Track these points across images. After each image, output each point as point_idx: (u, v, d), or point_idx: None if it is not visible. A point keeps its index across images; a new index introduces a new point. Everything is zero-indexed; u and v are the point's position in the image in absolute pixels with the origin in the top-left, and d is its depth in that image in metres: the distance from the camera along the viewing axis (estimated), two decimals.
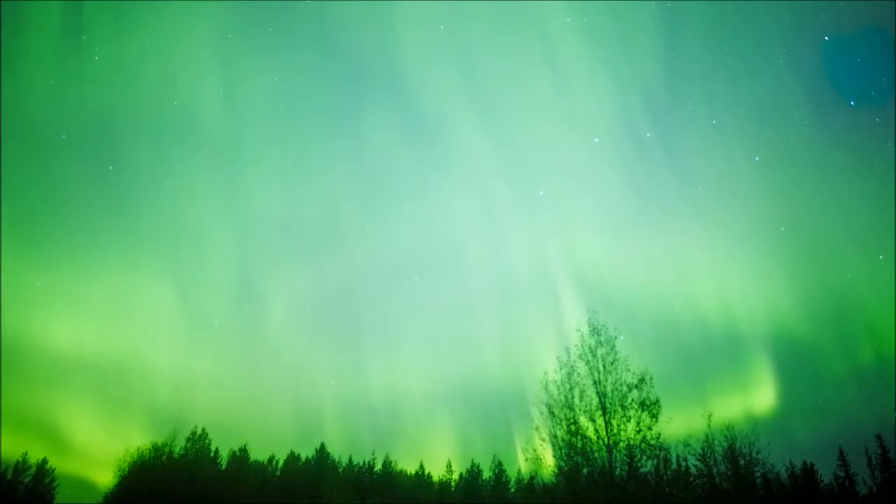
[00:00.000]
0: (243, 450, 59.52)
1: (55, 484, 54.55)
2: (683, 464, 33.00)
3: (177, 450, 53.10)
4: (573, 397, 22.18)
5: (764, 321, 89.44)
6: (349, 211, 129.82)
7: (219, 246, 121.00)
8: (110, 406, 77.51)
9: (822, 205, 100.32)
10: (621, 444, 21.09)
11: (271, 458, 62.13)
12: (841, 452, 42.24)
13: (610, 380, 21.90)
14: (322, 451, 62.10)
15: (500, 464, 58.64)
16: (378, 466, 62.41)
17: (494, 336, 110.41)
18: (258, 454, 61.19)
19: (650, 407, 21.22)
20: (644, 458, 21.06)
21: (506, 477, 58.12)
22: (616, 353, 22.37)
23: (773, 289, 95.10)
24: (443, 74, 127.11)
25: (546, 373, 23.11)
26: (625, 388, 21.64)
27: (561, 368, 22.90)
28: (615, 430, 21.15)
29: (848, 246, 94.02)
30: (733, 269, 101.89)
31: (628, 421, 21.19)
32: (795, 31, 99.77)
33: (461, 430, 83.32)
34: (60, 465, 56.10)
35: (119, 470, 49.03)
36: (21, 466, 53.62)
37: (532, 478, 49.51)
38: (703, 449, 30.16)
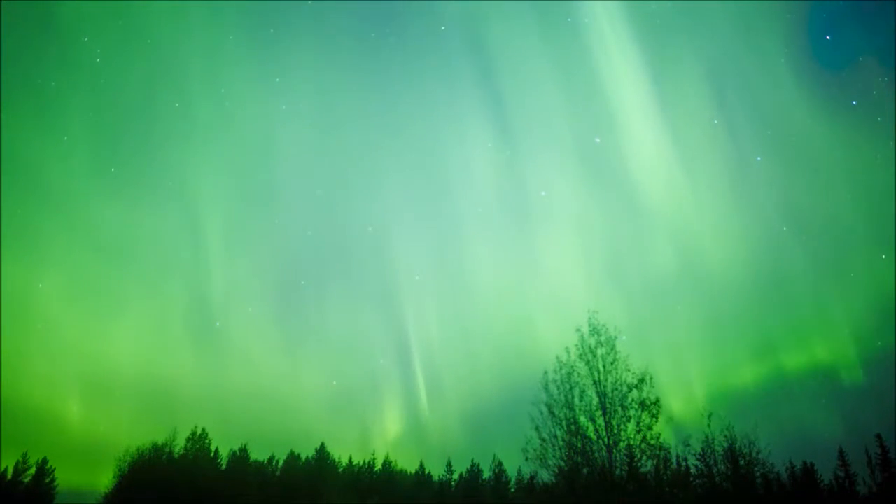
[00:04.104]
0: (243, 450, 59.50)
1: (55, 484, 54.57)
2: (683, 464, 33.02)
3: (177, 450, 53.14)
4: (573, 397, 22.19)
5: (764, 320, 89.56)
6: (354, 212, 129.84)
7: (220, 248, 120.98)
8: (109, 407, 77.62)
9: (823, 204, 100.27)
10: (621, 444, 21.09)
11: (271, 458, 62.19)
12: (841, 452, 42.24)
13: (610, 380, 21.91)
14: (322, 451, 62.09)
15: (500, 464, 58.69)
16: (378, 466, 62.43)
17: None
18: (258, 454, 61.26)
19: (650, 407, 21.21)
20: (644, 458, 21.06)
21: (506, 477, 58.15)
22: (616, 353, 22.41)
23: (774, 288, 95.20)
24: (442, 75, 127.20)
25: (546, 373, 23.13)
26: (625, 388, 21.66)
27: (561, 368, 22.91)
28: (615, 430, 21.14)
29: (850, 245, 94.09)
30: (735, 269, 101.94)
31: (628, 421, 21.19)
32: (796, 31, 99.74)
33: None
34: (60, 470, 56.06)
35: (119, 470, 49.06)
36: (21, 466, 53.62)
37: (532, 478, 49.52)
38: (703, 449, 30.09)
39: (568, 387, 22.40)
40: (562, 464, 21.73)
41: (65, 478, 55.79)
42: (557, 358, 23.11)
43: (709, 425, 28.95)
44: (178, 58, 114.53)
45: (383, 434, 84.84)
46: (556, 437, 21.92)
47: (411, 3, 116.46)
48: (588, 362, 22.49)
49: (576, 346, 23.06)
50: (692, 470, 32.63)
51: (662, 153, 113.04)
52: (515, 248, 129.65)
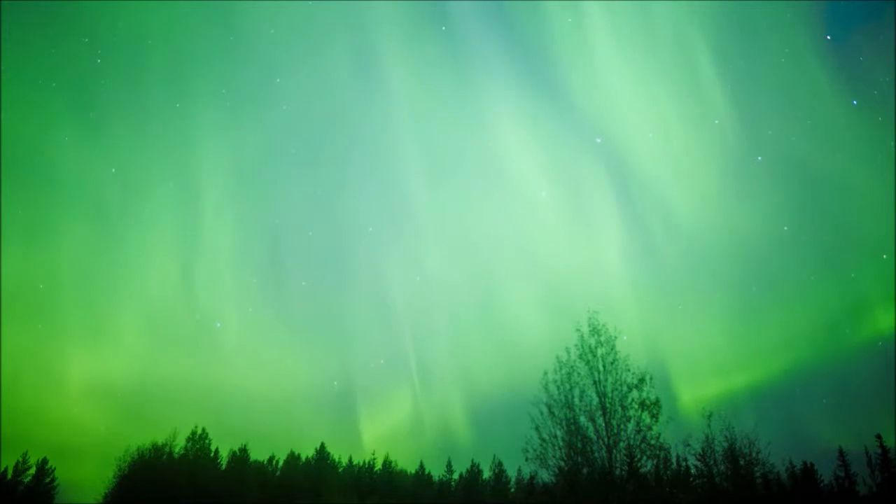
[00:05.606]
0: (243, 450, 59.44)
1: (55, 484, 54.51)
2: (683, 464, 32.96)
3: (177, 450, 53.11)
4: (573, 397, 22.18)
5: (766, 320, 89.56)
6: (354, 212, 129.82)
7: (221, 248, 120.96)
8: (109, 407, 77.62)
9: (824, 204, 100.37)
10: (621, 444, 21.09)
11: (271, 458, 62.13)
12: (841, 452, 42.22)
13: (610, 380, 21.91)
14: (322, 451, 62.08)
15: (500, 464, 58.72)
16: (378, 466, 62.44)
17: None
18: (258, 454, 61.22)
19: (650, 407, 21.21)
20: (644, 458, 21.06)
21: (506, 477, 58.15)
22: (616, 353, 22.42)
23: (774, 288, 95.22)
24: (443, 75, 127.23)
25: (546, 373, 23.12)
26: (625, 388, 21.66)
27: (561, 368, 22.90)
28: (615, 430, 21.14)
29: (851, 245, 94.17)
30: (735, 269, 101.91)
31: (628, 421, 21.20)
32: (797, 31, 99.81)
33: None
34: (60, 470, 55.95)
35: (119, 469, 49.01)
36: (21, 466, 53.57)
37: (532, 478, 49.53)
38: (703, 449, 30.05)
39: (568, 387, 22.41)
40: (562, 464, 21.72)
41: (65, 478, 55.85)
42: (557, 358, 23.13)
43: (709, 425, 28.97)
44: (178, 58, 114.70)
45: (383, 434, 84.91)
46: (556, 437, 21.92)
47: (411, 4, 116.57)
48: (588, 362, 22.50)
49: (576, 346, 23.09)
50: (692, 470, 32.62)
51: (663, 153, 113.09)
52: (517, 248, 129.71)
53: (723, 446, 29.44)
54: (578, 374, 22.45)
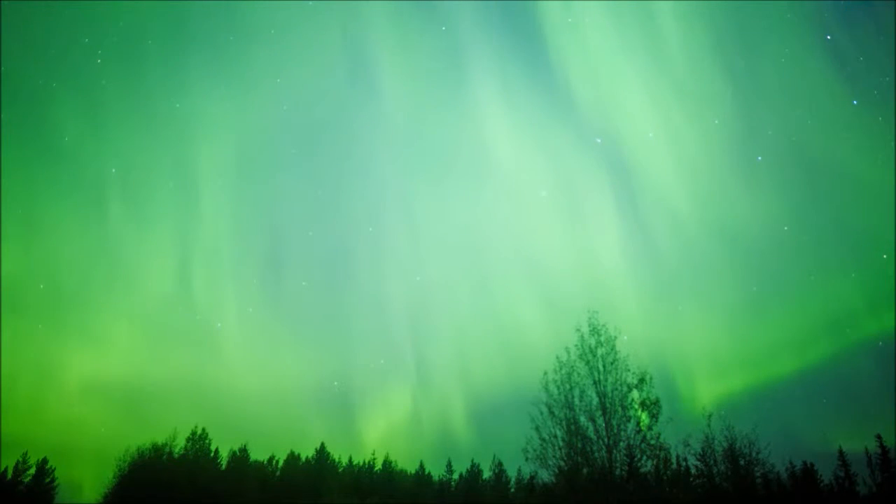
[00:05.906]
0: (243, 450, 59.47)
1: (55, 484, 54.51)
2: (683, 464, 32.98)
3: (177, 450, 53.14)
4: (573, 397, 22.21)
5: (767, 320, 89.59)
6: (354, 212, 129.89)
7: (221, 249, 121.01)
8: (110, 407, 77.64)
9: (824, 204, 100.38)
10: (621, 444, 21.10)
11: (271, 458, 62.16)
12: (841, 452, 42.24)
13: (610, 380, 21.93)
14: (322, 451, 62.10)
15: (500, 464, 58.72)
16: (378, 466, 62.46)
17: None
18: (258, 454, 61.24)
19: (650, 407, 21.25)
20: (644, 458, 21.08)
21: (506, 477, 58.15)
22: (616, 353, 22.45)
23: (776, 288, 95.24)
24: (443, 75, 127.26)
25: (546, 373, 23.13)
26: (625, 388, 21.69)
27: (561, 368, 22.92)
28: (615, 430, 21.16)
29: (851, 245, 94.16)
30: (735, 269, 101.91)
31: (628, 421, 21.22)
32: (797, 31, 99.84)
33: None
34: (60, 470, 55.93)
35: (119, 469, 49.02)
36: (21, 466, 53.58)
37: (532, 478, 49.52)
38: (703, 449, 30.06)
39: (568, 387, 22.42)
40: (562, 464, 21.73)
41: (65, 478, 55.87)
42: (557, 358, 23.15)
43: (709, 425, 28.99)
44: (178, 59, 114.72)
45: (383, 434, 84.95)
46: (556, 437, 21.94)
47: (412, 4, 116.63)
48: (588, 362, 22.51)
49: (576, 346, 23.12)
50: (692, 470, 32.62)
51: (663, 153, 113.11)
52: (516, 248, 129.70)
53: (723, 446, 29.45)
54: (578, 374, 22.49)
